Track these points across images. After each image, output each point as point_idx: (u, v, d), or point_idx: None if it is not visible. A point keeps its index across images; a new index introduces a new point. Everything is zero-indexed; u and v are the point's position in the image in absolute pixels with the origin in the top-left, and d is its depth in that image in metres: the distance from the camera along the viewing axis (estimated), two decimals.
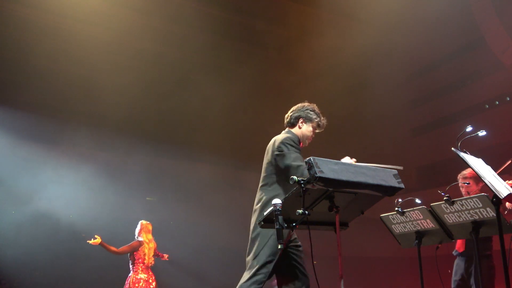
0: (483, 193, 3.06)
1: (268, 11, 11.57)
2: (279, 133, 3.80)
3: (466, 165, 2.99)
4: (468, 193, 4.80)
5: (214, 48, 11.61)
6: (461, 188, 5.01)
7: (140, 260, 6.92)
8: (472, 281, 4.57)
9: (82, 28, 10.44)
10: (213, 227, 11.50)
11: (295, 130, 3.74)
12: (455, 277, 4.83)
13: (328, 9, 11.25)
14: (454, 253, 4.92)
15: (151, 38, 11.17)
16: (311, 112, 3.75)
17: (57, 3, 9.94)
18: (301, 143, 3.71)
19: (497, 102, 13.72)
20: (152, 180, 11.74)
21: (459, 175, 5.04)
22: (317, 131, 3.79)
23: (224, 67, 11.58)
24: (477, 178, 4.89)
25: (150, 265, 7.00)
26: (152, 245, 7.10)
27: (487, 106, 13.84)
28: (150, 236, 7.12)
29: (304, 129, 3.72)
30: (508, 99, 13.59)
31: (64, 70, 10.97)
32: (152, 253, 7.05)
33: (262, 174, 3.66)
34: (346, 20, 11.58)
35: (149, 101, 11.59)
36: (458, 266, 4.85)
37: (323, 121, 3.78)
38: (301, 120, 3.73)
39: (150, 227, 7.22)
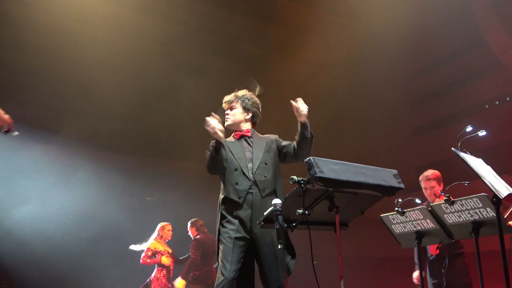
0: (483, 193, 3.05)
1: (264, 10, 11.50)
2: (273, 132, 3.95)
3: (465, 165, 2.99)
4: (434, 195, 4.84)
5: (207, 47, 11.56)
6: (424, 190, 5.02)
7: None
8: (451, 276, 4.64)
9: (82, 28, 10.42)
10: (213, 226, 11.47)
11: None
12: (433, 280, 4.85)
13: (326, 8, 11.20)
14: (429, 257, 4.93)
15: (146, 37, 11.13)
16: None
17: (57, 3, 9.93)
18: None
19: (497, 102, 13.69)
20: (152, 180, 11.74)
21: (421, 176, 5.07)
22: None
23: (218, 67, 11.52)
24: (439, 178, 4.95)
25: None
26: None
27: (487, 106, 13.80)
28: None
29: None
30: (508, 99, 13.56)
31: (63, 70, 10.96)
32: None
33: None
34: (344, 19, 11.53)
35: (147, 100, 11.58)
36: (433, 268, 4.87)
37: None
38: None
39: (167, 227, 7.58)
